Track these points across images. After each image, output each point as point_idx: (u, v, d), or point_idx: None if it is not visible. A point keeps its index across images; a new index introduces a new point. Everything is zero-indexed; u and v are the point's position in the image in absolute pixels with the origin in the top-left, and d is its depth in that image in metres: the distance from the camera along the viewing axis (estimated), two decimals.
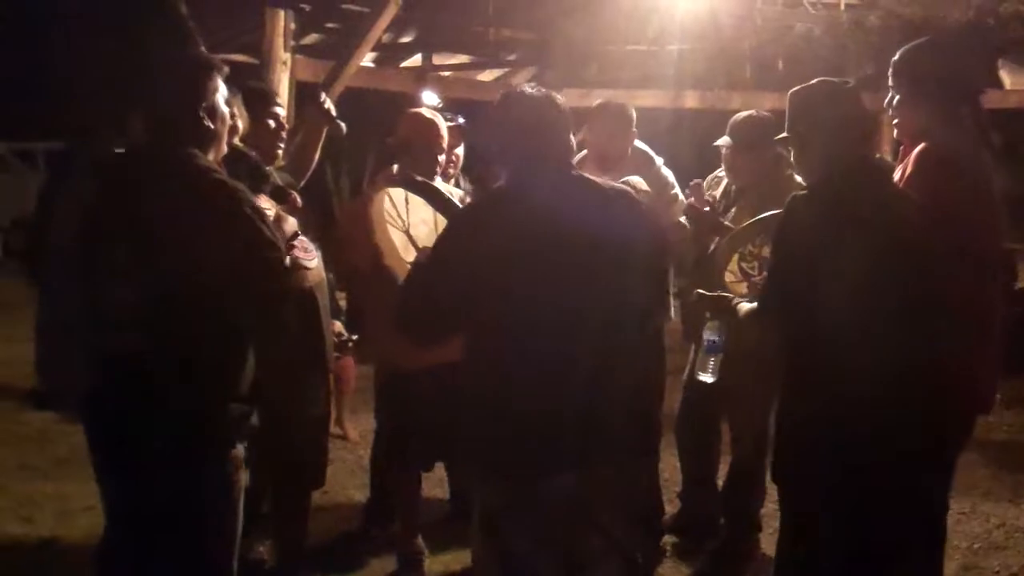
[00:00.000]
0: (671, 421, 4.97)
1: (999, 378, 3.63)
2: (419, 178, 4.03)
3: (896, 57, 3.73)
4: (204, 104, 2.99)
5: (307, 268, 3.98)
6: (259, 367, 3.22)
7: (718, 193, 4.84)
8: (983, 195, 3.58)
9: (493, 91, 10.71)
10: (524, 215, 2.99)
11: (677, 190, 4.88)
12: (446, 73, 11.02)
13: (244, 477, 3.13)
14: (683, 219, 4.69)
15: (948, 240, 3.28)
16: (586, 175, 3.20)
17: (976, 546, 4.93)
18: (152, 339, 2.92)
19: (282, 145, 4.23)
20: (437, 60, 11.16)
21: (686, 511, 5.05)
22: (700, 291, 3.65)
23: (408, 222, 4.09)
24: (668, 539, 4.93)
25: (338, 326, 4.49)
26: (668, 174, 4.90)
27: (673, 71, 10.43)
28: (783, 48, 9.56)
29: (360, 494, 5.46)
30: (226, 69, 3.12)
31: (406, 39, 10.53)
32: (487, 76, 11.90)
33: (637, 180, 4.47)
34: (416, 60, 10.88)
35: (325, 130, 4.58)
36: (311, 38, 8.82)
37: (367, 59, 10.52)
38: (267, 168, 4.02)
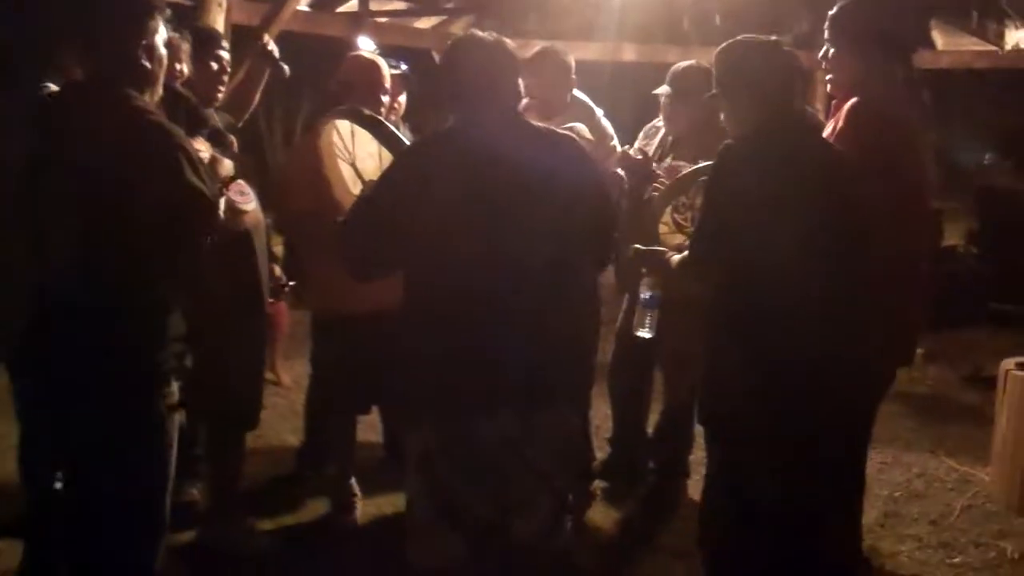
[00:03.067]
0: (603, 369, 5.04)
1: (922, 333, 3.73)
2: (366, 112, 4.01)
3: (832, 11, 3.78)
4: (143, 43, 2.95)
5: (244, 211, 3.95)
6: (195, 307, 3.23)
7: (655, 143, 4.88)
8: (913, 150, 3.66)
9: (430, 39, 10.65)
10: (470, 155, 3.02)
11: (616, 142, 4.91)
12: (383, 20, 10.92)
13: (178, 417, 3.12)
14: (619, 170, 4.73)
15: (877, 192, 3.34)
16: (530, 120, 3.23)
17: (897, 494, 5.06)
18: (86, 279, 2.89)
19: (222, 88, 4.19)
20: (374, 6, 11.01)
21: (616, 457, 5.12)
22: (636, 246, 3.68)
23: (354, 154, 4.09)
24: (598, 484, 5.00)
25: (276, 270, 4.48)
26: (607, 125, 4.94)
27: (613, 24, 10.44)
28: (721, 3, 9.60)
29: (293, 438, 5.47)
30: (168, 11, 3.06)
31: None
32: (424, 24, 11.80)
33: (581, 127, 4.51)
34: (352, 5, 10.76)
35: (267, 73, 4.55)
36: None
37: (303, 3, 10.41)
38: (207, 111, 3.99)
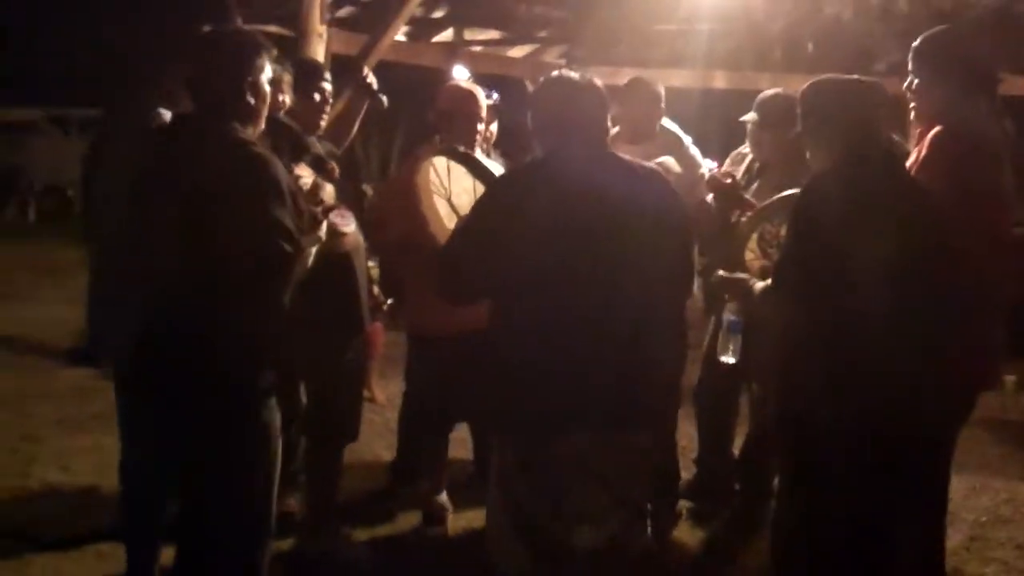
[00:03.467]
0: (690, 391, 5.14)
1: (1010, 359, 3.77)
2: (461, 148, 4.19)
3: (917, 42, 3.85)
4: (248, 80, 3.15)
5: (344, 233, 4.14)
6: (295, 328, 3.44)
7: (741, 169, 4.98)
8: (995, 177, 3.70)
9: (523, 68, 10.83)
10: (560, 186, 3.16)
11: (704, 169, 5.02)
12: (477, 48, 11.14)
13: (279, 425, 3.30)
14: (708, 197, 4.83)
15: (961, 218, 3.39)
16: (618, 154, 3.36)
17: (984, 519, 5.08)
18: (186, 300, 3.09)
19: (325, 117, 4.39)
20: (468, 35, 11.26)
21: (702, 477, 5.22)
22: (720, 273, 3.78)
23: (450, 190, 4.26)
24: (684, 504, 5.10)
25: (374, 289, 4.68)
26: (696, 153, 5.05)
27: (703, 51, 10.51)
28: (813, 30, 9.63)
29: (387, 454, 5.65)
30: (274, 50, 3.26)
31: (438, 14, 10.65)
32: (517, 52, 11.98)
33: (670, 161, 4.63)
34: (447, 35, 11.00)
35: (366, 104, 4.75)
36: (346, 11, 8.96)
37: (399, 34, 10.68)
38: (309, 139, 4.20)
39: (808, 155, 3.54)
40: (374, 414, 6.45)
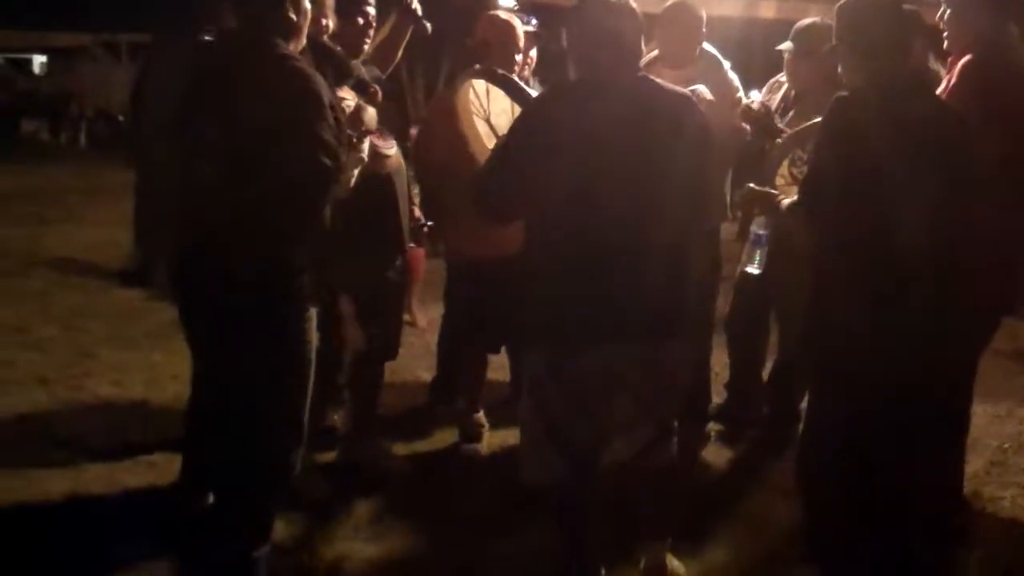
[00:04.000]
0: (722, 320, 5.28)
1: None
2: (499, 71, 4.28)
3: None
4: None
5: (386, 155, 4.28)
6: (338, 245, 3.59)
7: (778, 97, 5.03)
8: (1017, 107, 3.75)
9: None
10: (591, 108, 3.26)
11: (742, 93, 5.06)
12: None
13: (316, 338, 3.46)
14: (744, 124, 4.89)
15: (990, 143, 3.46)
16: (652, 78, 3.45)
17: (1006, 445, 5.16)
18: (232, 209, 3.23)
19: (368, 41, 4.47)
20: None
21: (731, 401, 5.35)
22: (750, 185, 3.85)
23: (489, 111, 4.40)
24: (713, 426, 5.24)
25: (416, 211, 4.80)
26: (734, 78, 5.07)
27: None
28: None
29: (427, 375, 5.80)
30: None
31: None
32: None
33: (702, 90, 4.67)
34: None
35: (410, 29, 4.84)
36: None
37: None
38: (353, 62, 4.29)
39: (840, 68, 3.58)
40: (415, 337, 6.61)
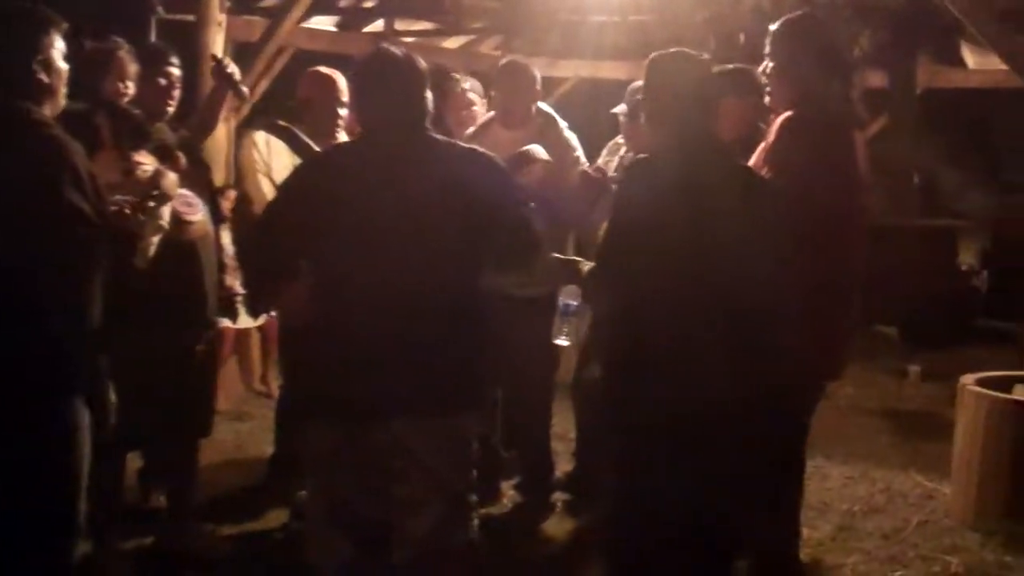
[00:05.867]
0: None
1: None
2: (280, 122, 4.12)
3: (775, 25, 3.79)
4: (38, 58, 3.06)
5: (189, 222, 4.08)
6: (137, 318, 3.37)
7: (615, 160, 4.93)
8: (838, 164, 3.64)
9: (457, 59, 10.78)
10: (367, 168, 3.11)
11: (580, 154, 4.93)
12: (409, 39, 11.07)
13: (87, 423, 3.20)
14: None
15: (801, 203, 3.35)
16: (435, 136, 3.28)
17: (856, 508, 5.03)
18: None
19: (172, 103, 4.28)
20: (400, 26, 11.20)
21: (578, 470, 5.17)
22: (555, 255, 3.65)
23: (271, 167, 4.22)
24: (559, 495, 5.06)
25: (227, 279, 4.59)
26: (572, 137, 4.96)
27: (637, 42, 10.48)
28: (740, 22, 9.61)
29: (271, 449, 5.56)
30: (65, 25, 3.17)
31: (368, 3, 10.59)
32: (452, 43, 11.95)
33: (537, 149, 4.55)
34: (378, 26, 10.94)
35: (228, 94, 4.67)
36: None
37: (328, 23, 10.61)
38: (157, 125, 4.13)
39: (644, 124, 3.50)
40: (269, 409, 6.36)
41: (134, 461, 4.53)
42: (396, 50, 3.26)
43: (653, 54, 3.48)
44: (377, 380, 3.07)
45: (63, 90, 3.16)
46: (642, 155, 3.35)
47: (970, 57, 11.13)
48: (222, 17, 6.72)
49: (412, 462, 3.16)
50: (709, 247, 3.09)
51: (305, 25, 9.48)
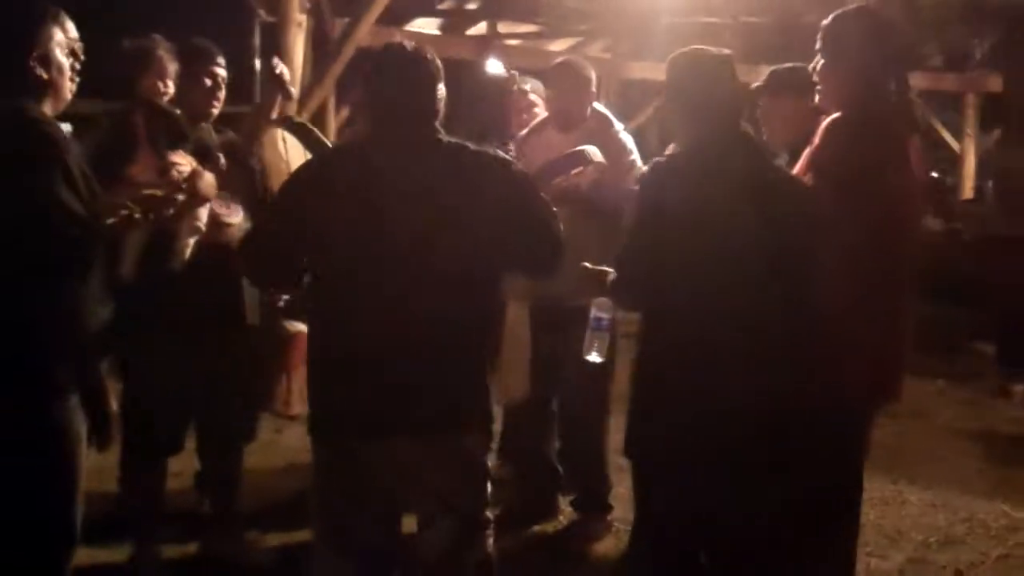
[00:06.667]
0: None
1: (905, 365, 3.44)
2: (296, 119, 4.03)
3: (825, 22, 3.56)
4: (35, 54, 2.99)
5: (228, 224, 4.02)
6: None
7: None
8: (892, 167, 3.38)
9: (526, 58, 10.59)
10: (368, 172, 2.97)
11: (636, 156, 4.73)
12: (514, 42, 11.00)
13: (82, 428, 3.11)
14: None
15: (842, 206, 3.14)
16: (448, 139, 3.11)
17: (932, 539, 4.71)
18: None
19: (217, 104, 4.19)
20: (504, 28, 11.15)
21: None
22: (584, 264, 3.43)
23: (289, 163, 4.17)
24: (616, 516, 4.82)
25: None
26: (627, 139, 4.76)
27: (743, 44, 10.26)
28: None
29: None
30: (64, 17, 3.09)
31: (471, 5, 10.55)
32: (559, 46, 11.83)
33: (592, 150, 4.38)
34: (482, 28, 10.91)
35: (278, 97, 4.59)
36: None
37: (432, 26, 10.60)
38: (200, 126, 4.07)
39: (669, 126, 3.36)
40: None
41: (191, 465, 4.48)
42: (407, 44, 3.12)
43: (673, 54, 3.31)
44: (376, 397, 2.93)
45: (69, 85, 3.09)
46: (658, 158, 3.17)
47: None
48: (302, 18, 6.72)
49: (413, 482, 3.03)
50: (723, 250, 2.93)
51: (408, 28, 9.48)
